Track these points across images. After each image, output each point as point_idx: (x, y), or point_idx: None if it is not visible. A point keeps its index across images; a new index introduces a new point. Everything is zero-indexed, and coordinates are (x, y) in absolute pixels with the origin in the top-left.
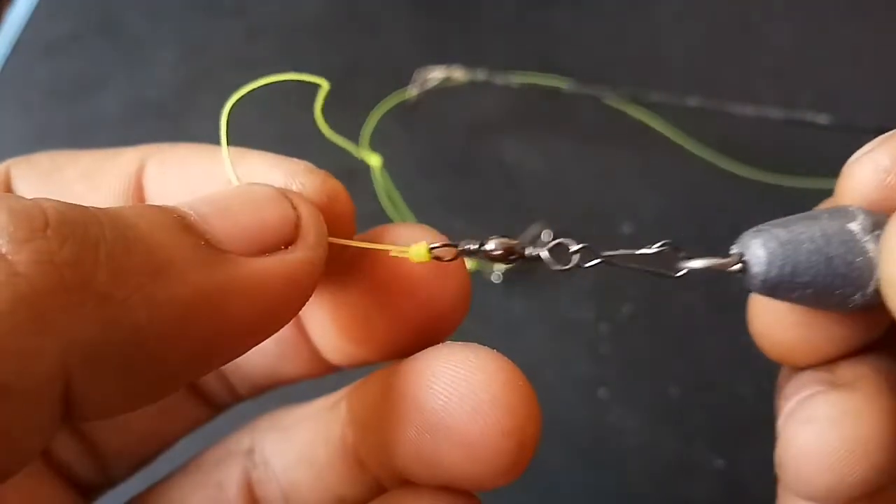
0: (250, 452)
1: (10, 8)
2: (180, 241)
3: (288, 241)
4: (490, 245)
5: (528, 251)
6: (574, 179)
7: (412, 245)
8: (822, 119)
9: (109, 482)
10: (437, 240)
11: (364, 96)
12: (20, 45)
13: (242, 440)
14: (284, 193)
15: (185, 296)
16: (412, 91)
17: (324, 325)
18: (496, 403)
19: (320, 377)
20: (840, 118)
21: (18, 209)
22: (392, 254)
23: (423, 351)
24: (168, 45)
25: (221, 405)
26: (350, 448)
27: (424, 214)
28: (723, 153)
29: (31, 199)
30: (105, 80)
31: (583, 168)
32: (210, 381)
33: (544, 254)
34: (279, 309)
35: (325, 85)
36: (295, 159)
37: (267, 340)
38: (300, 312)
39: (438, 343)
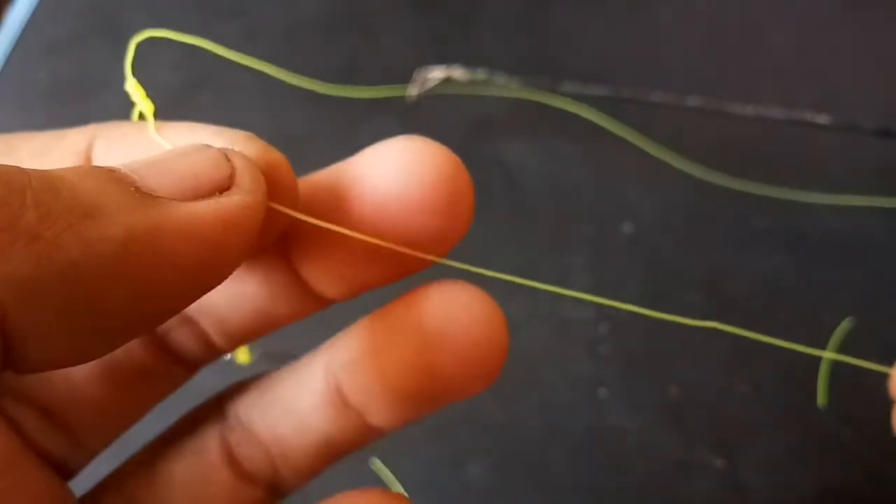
0: (223, 418)
1: (10, 8)
2: (110, 187)
3: (222, 188)
4: None
5: None
6: (574, 179)
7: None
8: (822, 119)
9: (85, 457)
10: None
11: (363, 96)
12: (20, 45)
13: (213, 409)
14: (219, 149)
15: (117, 235)
16: (412, 91)
17: (313, 252)
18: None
19: (311, 314)
20: (840, 118)
21: None
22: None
23: (420, 289)
24: (168, 46)
25: (195, 363)
26: (335, 391)
27: None
28: (723, 153)
29: None
30: (105, 80)
31: (583, 168)
32: (182, 336)
33: None
34: (219, 251)
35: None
36: (237, 130)
37: (253, 283)
38: (290, 247)
39: (443, 250)
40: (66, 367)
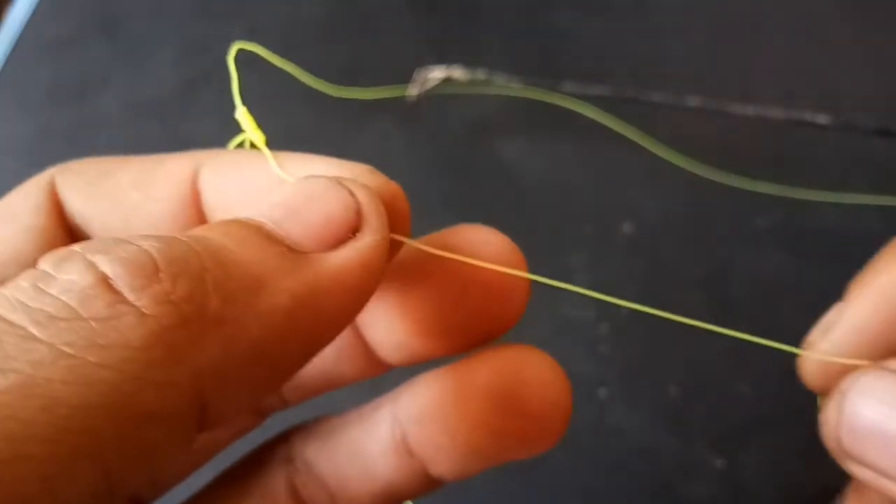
0: (289, 459)
1: (10, 8)
2: (266, 253)
3: (354, 228)
4: None
5: None
6: (574, 179)
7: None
8: (822, 119)
9: (157, 493)
10: (504, 243)
11: (363, 96)
12: (20, 45)
13: (277, 450)
14: (339, 181)
15: (284, 304)
16: (412, 91)
17: (384, 322)
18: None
19: (371, 378)
20: (840, 118)
21: (129, 259)
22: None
23: (489, 350)
24: (168, 45)
25: (267, 412)
26: (401, 441)
27: (424, 214)
28: (723, 153)
29: (135, 245)
30: (105, 80)
31: (583, 168)
32: None
33: None
34: (362, 295)
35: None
36: (355, 162)
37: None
38: (362, 315)
39: (498, 334)
40: (240, 416)
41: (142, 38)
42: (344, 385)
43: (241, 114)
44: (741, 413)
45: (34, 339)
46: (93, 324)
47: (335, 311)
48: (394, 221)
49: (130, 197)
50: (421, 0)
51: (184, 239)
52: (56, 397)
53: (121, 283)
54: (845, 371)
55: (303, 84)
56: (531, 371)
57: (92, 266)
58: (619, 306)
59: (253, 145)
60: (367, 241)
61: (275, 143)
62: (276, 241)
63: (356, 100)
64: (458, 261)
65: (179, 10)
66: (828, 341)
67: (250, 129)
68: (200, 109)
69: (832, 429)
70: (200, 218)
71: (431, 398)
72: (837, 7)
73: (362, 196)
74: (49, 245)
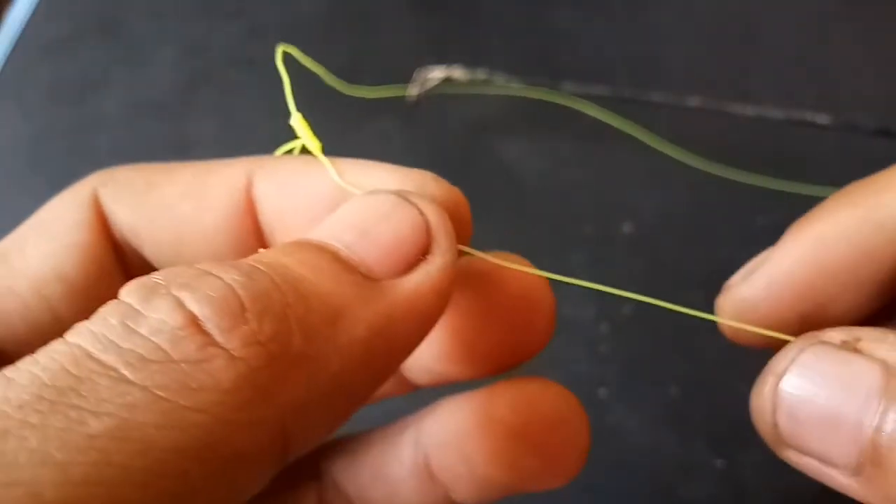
0: (319, 475)
1: (10, 8)
2: (342, 282)
3: (424, 249)
4: None
5: None
6: (574, 179)
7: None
8: (822, 119)
9: None
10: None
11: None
12: (20, 45)
13: (307, 466)
14: (407, 197)
15: (361, 335)
16: (412, 91)
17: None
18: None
19: (396, 396)
20: (840, 118)
21: (217, 298)
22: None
23: (512, 381)
24: (168, 45)
25: None
26: (423, 466)
27: None
28: (723, 153)
29: (220, 279)
30: (105, 80)
31: (583, 168)
32: None
33: None
34: (433, 319)
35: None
36: (415, 169)
37: None
38: None
39: (523, 361)
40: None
41: (142, 38)
42: (371, 403)
43: (297, 120)
44: (741, 413)
45: (127, 381)
46: (184, 366)
47: (409, 336)
48: (457, 230)
49: (182, 208)
50: (421, 0)
51: (263, 269)
52: (150, 442)
53: (210, 325)
54: (766, 317)
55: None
56: (549, 408)
57: (180, 305)
58: (619, 306)
59: (305, 151)
60: (438, 265)
61: (274, 143)
62: (351, 269)
63: (356, 100)
64: (489, 289)
65: (179, 10)
66: (748, 285)
67: (306, 137)
68: (200, 109)
69: (766, 413)
70: (256, 229)
71: (453, 427)
72: (837, 7)
73: (431, 214)
74: (93, 262)
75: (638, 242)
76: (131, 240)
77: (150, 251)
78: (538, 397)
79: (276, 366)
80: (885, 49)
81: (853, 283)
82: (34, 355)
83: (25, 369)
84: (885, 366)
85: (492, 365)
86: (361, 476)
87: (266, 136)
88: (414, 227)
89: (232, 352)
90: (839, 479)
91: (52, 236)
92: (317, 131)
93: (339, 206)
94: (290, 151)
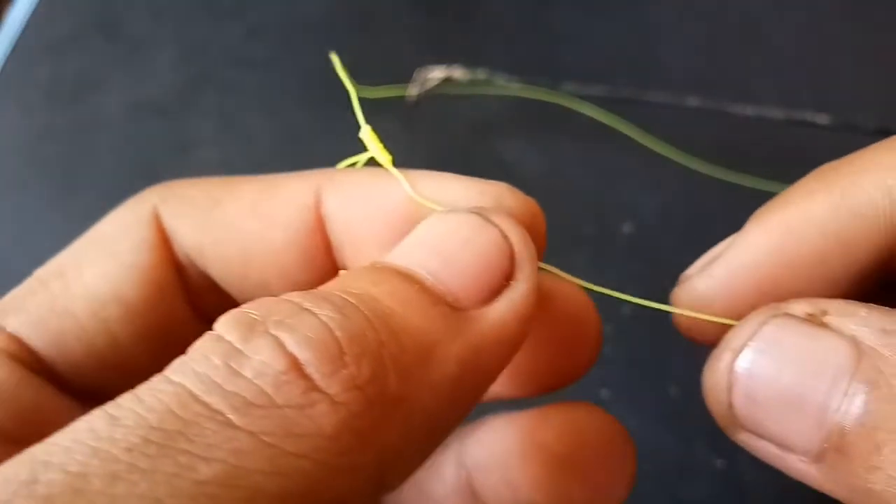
0: None
1: (10, 8)
2: (432, 317)
3: (508, 275)
4: None
5: None
6: (574, 179)
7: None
8: (822, 119)
9: None
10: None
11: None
12: (20, 45)
13: None
14: (489, 218)
15: (452, 370)
16: (412, 91)
17: None
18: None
19: None
20: (840, 118)
21: (317, 341)
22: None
23: (558, 406)
24: (168, 45)
25: None
26: (466, 484)
27: None
28: (723, 153)
29: (317, 319)
30: (105, 80)
31: (583, 168)
32: None
33: None
34: (516, 346)
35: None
36: (489, 181)
37: None
38: None
39: (571, 381)
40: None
41: (142, 38)
42: None
43: (366, 133)
44: None
45: (233, 426)
46: (288, 411)
47: (495, 367)
48: (534, 244)
49: (248, 226)
50: (421, 0)
51: (354, 303)
52: (258, 488)
53: (311, 369)
54: (722, 314)
55: (300, 84)
56: (597, 437)
57: (281, 347)
58: (619, 307)
59: (374, 163)
60: (522, 292)
61: (274, 143)
62: (438, 300)
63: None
64: (542, 307)
65: (179, 10)
66: (705, 277)
67: (376, 150)
68: (200, 109)
69: (720, 393)
70: (326, 246)
71: (497, 450)
72: (837, 7)
73: (514, 237)
74: (153, 284)
75: (638, 242)
76: (195, 259)
77: (215, 271)
78: (586, 425)
79: (374, 410)
80: (885, 49)
81: (822, 278)
82: (136, 392)
83: (129, 408)
84: (854, 343)
85: (538, 384)
86: (406, 492)
87: (265, 135)
88: (498, 253)
89: (334, 397)
90: (797, 466)
91: (111, 255)
92: (316, 130)
93: (413, 220)
94: (353, 164)
